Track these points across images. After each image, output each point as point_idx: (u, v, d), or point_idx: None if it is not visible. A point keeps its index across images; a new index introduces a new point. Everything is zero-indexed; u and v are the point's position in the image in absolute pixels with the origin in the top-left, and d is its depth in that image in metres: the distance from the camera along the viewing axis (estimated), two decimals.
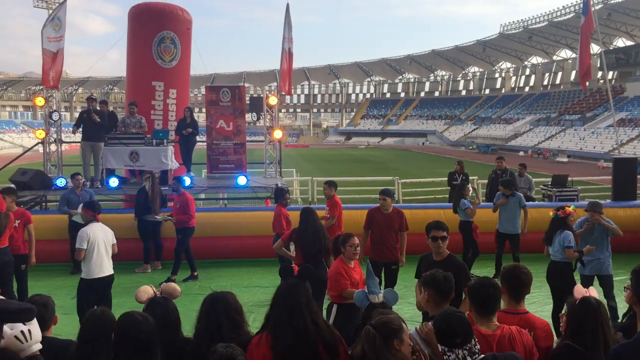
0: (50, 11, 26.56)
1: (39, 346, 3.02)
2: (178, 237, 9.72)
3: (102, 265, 6.65)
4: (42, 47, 13.35)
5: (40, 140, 13.74)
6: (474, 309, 3.47)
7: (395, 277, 7.58)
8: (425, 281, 3.75)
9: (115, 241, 6.87)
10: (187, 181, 12.40)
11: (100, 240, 6.62)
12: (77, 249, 6.54)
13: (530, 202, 11.92)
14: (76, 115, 12.94)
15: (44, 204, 13.37)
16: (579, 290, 3.34)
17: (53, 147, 13.76)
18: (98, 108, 12.65)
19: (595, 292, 3.40)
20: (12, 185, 10.52)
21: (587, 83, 17.02)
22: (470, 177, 15.20)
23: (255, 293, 8.97)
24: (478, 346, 2.97)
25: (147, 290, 3.57)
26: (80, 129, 12.71)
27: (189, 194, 10.00)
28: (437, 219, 5.69)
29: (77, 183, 10.29)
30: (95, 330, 3.13)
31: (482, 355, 2.91)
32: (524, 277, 3.73)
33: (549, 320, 6.52)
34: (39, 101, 13.42)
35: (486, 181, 13.97)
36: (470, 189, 10.37)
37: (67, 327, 4.06)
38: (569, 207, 7.07)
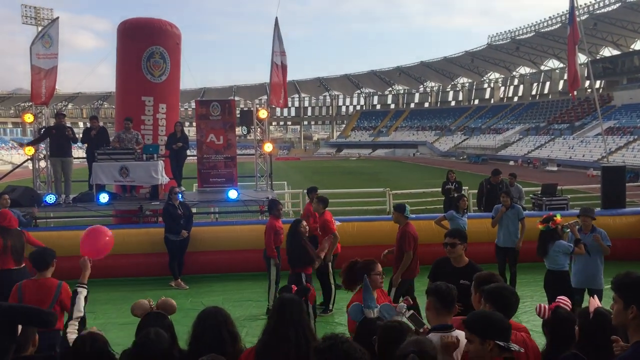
0: (40, 28, 26.49)
1: None
2: None
3: None
4: (30, 63, 13.32)
5: (29, 157, 13.67)
6: None
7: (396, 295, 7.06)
8: (428, 290, 3.78)
9: None
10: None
11: None
12: None
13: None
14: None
15: (33, 220, 13.26)
16: (593, 303, 3.35)
17: (42, 164, 13.69)
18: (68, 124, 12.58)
19: (597, 304, 3.41)
20: None
21: (575, 92, 17.18)
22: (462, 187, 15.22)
23: (247, 307, 8.93)
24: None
25: (143, 305, 3.63)
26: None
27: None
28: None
29: (5, 203, 9.94)
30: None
31: None
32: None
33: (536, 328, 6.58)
34: (28, 118, 13.36)
35: (477, 191, 13.95)
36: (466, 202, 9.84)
37: None
38: (556, 216, 7.08)
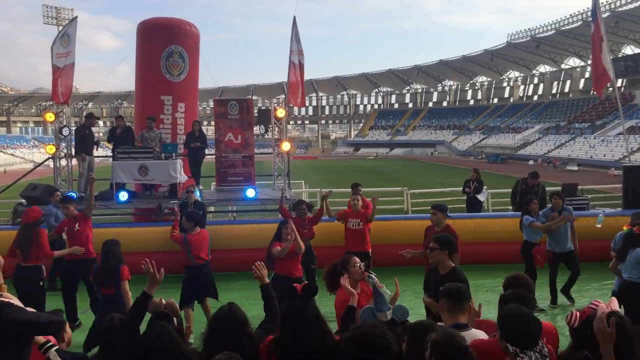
0: (60, 27, 26.79)
1: None
2: None
3: None
4: (51, 63, 13.48)
5: (50, 156, 13.84)
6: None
7: None
8: (440, 292, 3.78)
9: None
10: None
11: None
12: None
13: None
14: None
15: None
16: (602, 307, 3.21)
17: (63, 162, 13.85)
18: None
19: (616, 304, 3.29)
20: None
21: (606, 88, 16.87)
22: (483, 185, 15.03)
23: None
24: (546, 349, 2.94)
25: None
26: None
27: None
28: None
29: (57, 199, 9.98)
30: None
31: None
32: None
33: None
34: (49, 117, 13.52)
35: (497, 191, 13.80)
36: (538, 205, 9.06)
37: (78, 337, 4.09)
38: None
